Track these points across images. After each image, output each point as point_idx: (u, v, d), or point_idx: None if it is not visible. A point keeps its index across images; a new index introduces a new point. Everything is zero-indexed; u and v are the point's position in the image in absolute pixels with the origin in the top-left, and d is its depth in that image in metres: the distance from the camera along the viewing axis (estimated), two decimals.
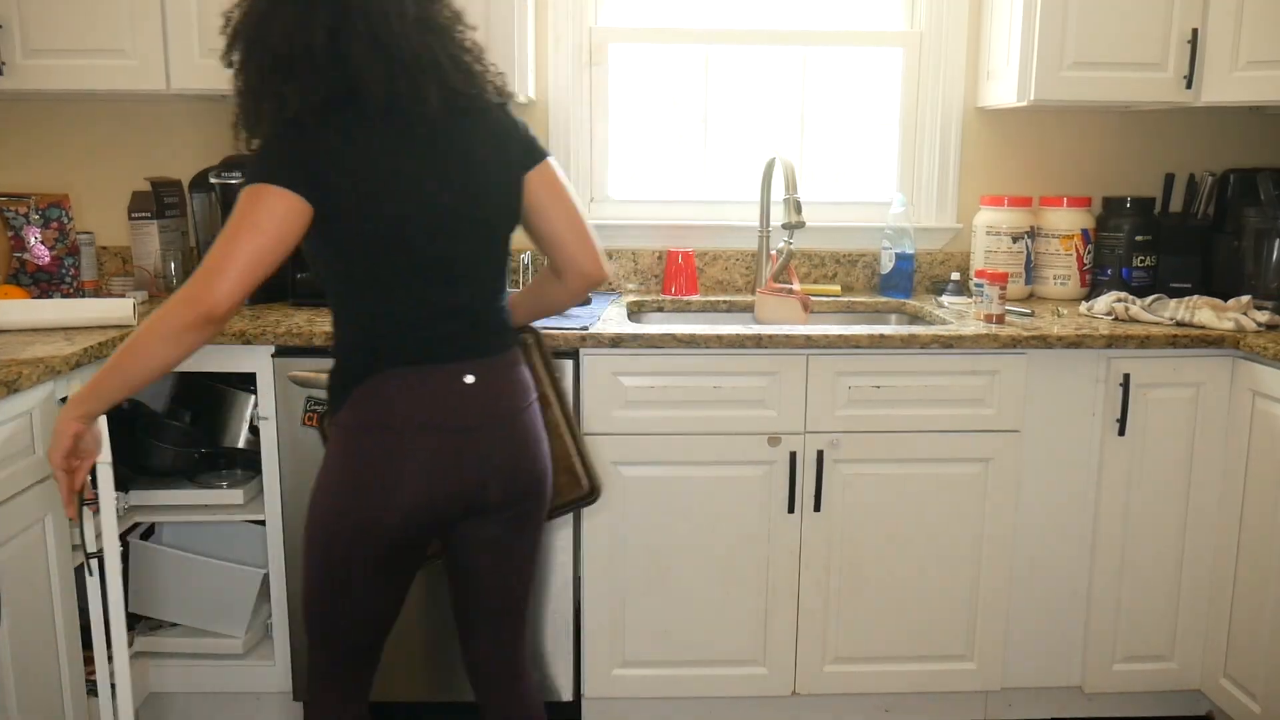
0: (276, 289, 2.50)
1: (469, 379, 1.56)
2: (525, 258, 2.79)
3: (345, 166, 1.45)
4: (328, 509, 1.56)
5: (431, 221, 1.51)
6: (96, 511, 1.79)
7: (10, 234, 2.51)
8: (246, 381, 2.35)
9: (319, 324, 2.23)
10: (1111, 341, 2.24)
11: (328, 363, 1.62)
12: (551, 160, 1.65)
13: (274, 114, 1.46)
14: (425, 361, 1.55)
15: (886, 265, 2.78)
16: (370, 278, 1.52)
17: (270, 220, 1.42)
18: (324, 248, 1.51)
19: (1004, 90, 2.62)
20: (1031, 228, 2.76)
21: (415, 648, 2.33)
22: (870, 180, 2.93)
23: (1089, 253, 2.76)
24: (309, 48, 1.43)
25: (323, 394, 2.16)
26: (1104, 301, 2.48)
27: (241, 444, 2.43)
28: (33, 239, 2.52)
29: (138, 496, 2.30)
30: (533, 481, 1.65)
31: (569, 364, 2.23)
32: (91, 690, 2.09)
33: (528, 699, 1.78)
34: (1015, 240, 2.74)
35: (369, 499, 1.53)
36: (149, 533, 2.49)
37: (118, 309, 2.22)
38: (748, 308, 2.72)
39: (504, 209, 1.60)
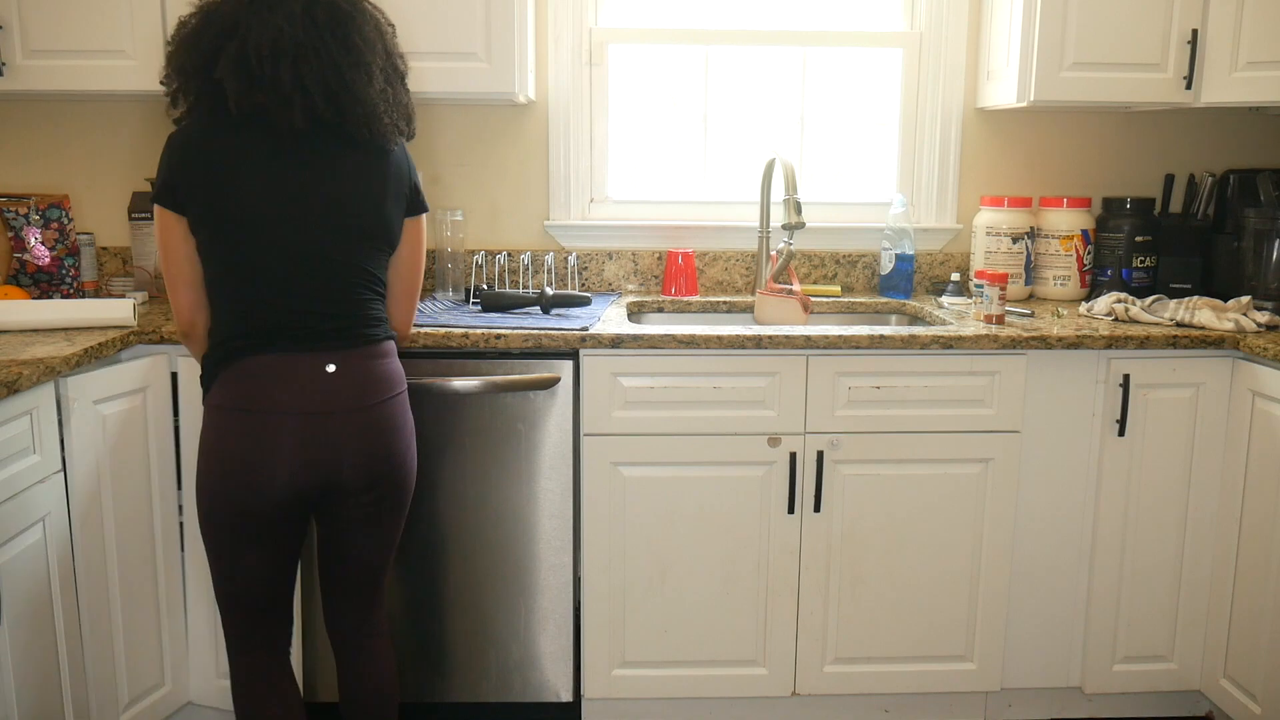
0: None
1: (330, 368, 1.72)
2: (525, 257, 2.79)
3: (210, 176, 1.68)
4: (204, 489, 1.74)
5: (295, 222, 1.70)
6: None
7: (10, 234, 2.51)
8: None
9: None
10: (1111, 342, 2.24)
11: None
12: (424, 217, 1.91)
13: (171, 108, 1.78)
14: (291, 349, 1.71)
15: (886, 266, 2.78)
16: (242, 270, 1.71)
17: (168, 237, 1.73)
18: (202, 244, 1.73)
19: (1004, 91, 2.62)
20: (1031, 228, 2.76)
21: (399, 650, 2.34)
22: (870, 180, 2.93)
23: (1089, 253, 2.76)
24: (191, 63, 1.71)
25: None
26: (1104, 302, 2.48)
27: None
28: (33, 239, 2.52)
29: None
30: (387, 468, 1.80)
31: (568, 364, 2.23)
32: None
33: (379, 655, 1.95)
34: (1015, 241, 2.74)
35: (236, 481, 1.70)
36: None
37: (117, 309, 2.22)
38: (748, 308, 2.72)
39: (379, 228, 1.79)
